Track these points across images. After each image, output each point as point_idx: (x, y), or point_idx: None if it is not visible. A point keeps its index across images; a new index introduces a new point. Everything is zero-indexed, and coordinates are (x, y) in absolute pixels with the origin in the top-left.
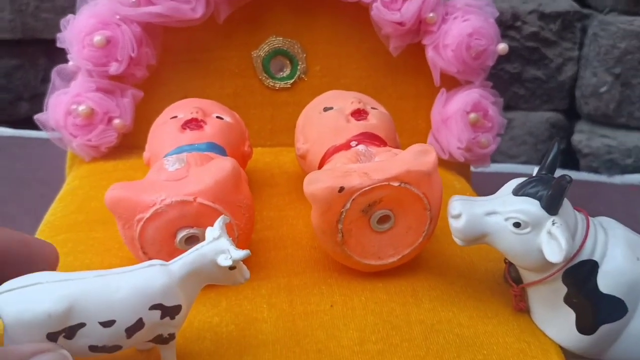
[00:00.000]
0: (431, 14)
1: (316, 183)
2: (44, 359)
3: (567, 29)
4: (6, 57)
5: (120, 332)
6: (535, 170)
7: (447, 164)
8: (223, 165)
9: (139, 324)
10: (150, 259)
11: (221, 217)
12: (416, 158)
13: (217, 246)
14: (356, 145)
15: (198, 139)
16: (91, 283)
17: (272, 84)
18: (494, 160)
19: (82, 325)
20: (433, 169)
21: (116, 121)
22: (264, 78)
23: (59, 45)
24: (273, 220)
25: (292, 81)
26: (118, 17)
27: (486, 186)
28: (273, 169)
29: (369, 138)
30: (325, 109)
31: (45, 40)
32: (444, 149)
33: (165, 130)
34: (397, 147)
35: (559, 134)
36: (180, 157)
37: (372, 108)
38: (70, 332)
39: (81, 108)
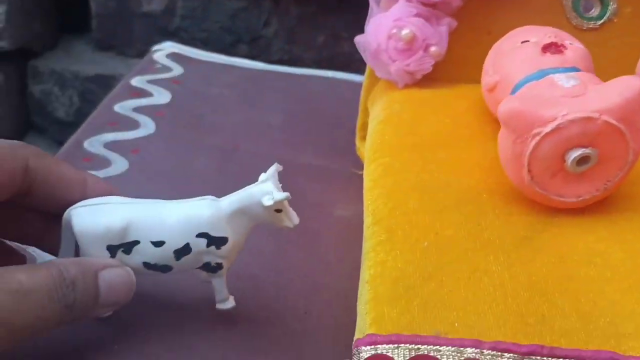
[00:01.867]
0: None
1: None
2: (113, 272)
3: None
4: None
5: (169, 253)
6: None
7: None
8: (631, 82)
9: (186, 249)
10: (533, 178)
11: (274, 165)
12: None
13: (263, 188)
14: None
15: (562, 63)
16: (149, 208)
17: (579, 24)
18: None
19: (137, 242)
20: None
21: (433, 49)
22: (572, 17)
23: None
24: None
25: (600, 22)
26: None
27: None
28: None
29: None
30: None
31: None
32: None
33: (522, 53)
34: None
35: None
36: (572, 75)
37: None
38: (128, 247)
39: (404, 32)
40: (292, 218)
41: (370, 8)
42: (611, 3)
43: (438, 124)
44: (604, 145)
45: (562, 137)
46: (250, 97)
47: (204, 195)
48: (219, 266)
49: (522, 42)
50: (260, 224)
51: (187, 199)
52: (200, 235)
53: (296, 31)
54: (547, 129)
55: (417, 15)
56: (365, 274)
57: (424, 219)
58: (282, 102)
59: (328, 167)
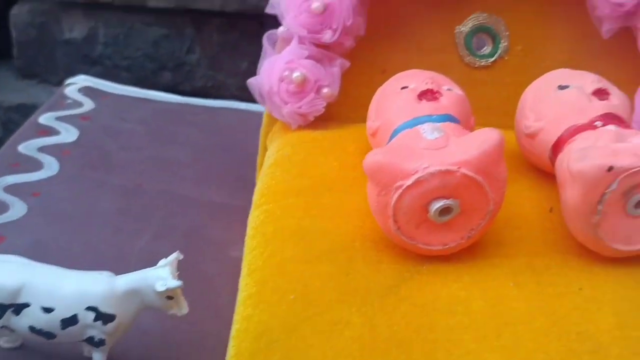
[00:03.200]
0: None
1: (585, 160)
2: None
3: None
4: (155, 26)
5: (57, 321)
6: None
7: None
8: (490, 135)
9: (73, 319)
10: (399, 228)
11: (175, 253)
12: None
13: (159, 273)
14: (602, 125)
15: (435, 110)
16: (46, 273)
17: (472, 62)
18: None
19: (27, 305)
20: None
21: (325, 90)
22: (464, 55)
23: (269, 11)
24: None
25: (492, 60)
26: None
27: None
28: None
29: (614, 119)
30: (561, 87)
31: (193, 10)
32: None
33: (400, 100)
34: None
35: None
36: (437, 127)
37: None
38: (18, 309)
39: (295, 75)
40: (182, 307)
41: (263, 49)
42: (502, 41)
43: (326, 167)
44: (465, 196)
45: (424, 190)
46: (162, 132)
47: (103, 237)
48: (101, 342)
49: (402, 88)
50: (150, 307)
51: (86, 271)
52: (90, 308)
53: (219, 58)
54: (409, 182)
55: (309, 57)
56: (233, 329)
57: (296, 269)
58: (194, 136)
59: (231, 205)
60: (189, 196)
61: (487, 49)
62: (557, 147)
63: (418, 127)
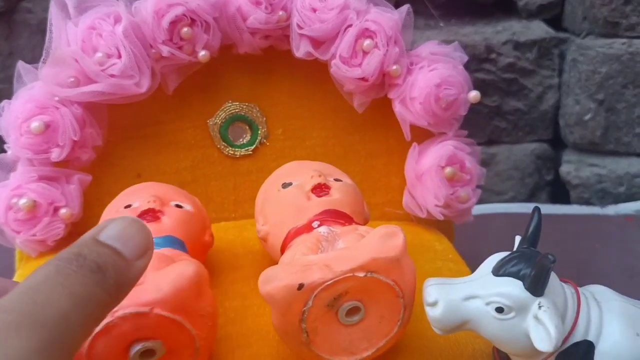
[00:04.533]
0: (394, 67)
1: (272, 281)
2: (113, 226)
3: (545, 56)
4: None
5: None
6: (517, 241)
7: (426, 221)
8: (184, 270)
9: None
10: None
11: None
12: (382, 243)
13: None
14: (318, 225)
15: (155, 232)
16: None
17: (232, 152)
18: (479, 200)
19: None
20: (401, 254)
21: (63, 211)
22: (222, 147)
23: None
24: (237, 312)
25: (253, 147)
26: (56, 99)
27: (471, 230)
28: (237, 247)
29: (332, 216)
30: (284, 185)
31: None
32: (421, 207)
33: None
34: (365, 219)
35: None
36: None
37: (335, 180)
38: None
39: (22, 201)
40: None
41: None
42: (260, 127)
43: None
44: (166, 336)
45: (116, 334)
46: None
47: None
48: None
49: (126, 207)
50: None
51: None
52: None
53: None
54: (97, 328)
55: (41, 178)
56: None
57: None
58: None
59: None
60: None
61: (246, 138)
62: (283, 251)
63: None
